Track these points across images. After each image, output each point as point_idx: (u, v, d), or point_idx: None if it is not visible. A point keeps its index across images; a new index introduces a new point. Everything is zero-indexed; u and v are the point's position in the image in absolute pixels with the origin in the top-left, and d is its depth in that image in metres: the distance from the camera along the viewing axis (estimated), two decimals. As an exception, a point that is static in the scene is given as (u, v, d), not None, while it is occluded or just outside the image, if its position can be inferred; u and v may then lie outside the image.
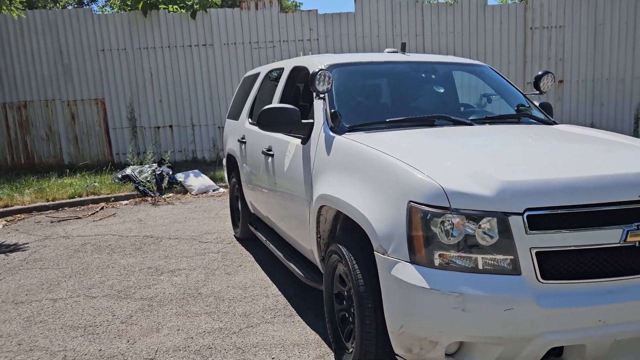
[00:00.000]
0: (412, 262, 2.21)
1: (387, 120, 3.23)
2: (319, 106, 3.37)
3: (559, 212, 2.11)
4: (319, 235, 3.17)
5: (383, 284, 2.35)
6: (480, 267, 2.14)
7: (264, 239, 4.42)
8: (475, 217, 2.13)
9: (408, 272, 2.20)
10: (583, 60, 11.41)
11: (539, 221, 2.10)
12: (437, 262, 2.17)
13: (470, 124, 3.25)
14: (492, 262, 2.14)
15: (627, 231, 2.15)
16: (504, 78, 4.15)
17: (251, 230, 4.97)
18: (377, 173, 2.54)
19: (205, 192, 8.52)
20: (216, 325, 3.44)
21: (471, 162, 2.37)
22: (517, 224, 2.09)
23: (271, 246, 4.18)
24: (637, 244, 2.18)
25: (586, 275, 2.15)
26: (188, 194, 8.51)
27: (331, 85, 3.26)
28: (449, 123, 3.26)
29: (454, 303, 2.09)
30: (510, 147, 2.73)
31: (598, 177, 2.20)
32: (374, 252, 2.40)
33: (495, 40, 11.27)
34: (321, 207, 3.02)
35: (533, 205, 2.10)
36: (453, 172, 2.26)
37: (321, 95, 3.30)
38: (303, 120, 3.36)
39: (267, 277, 4.34)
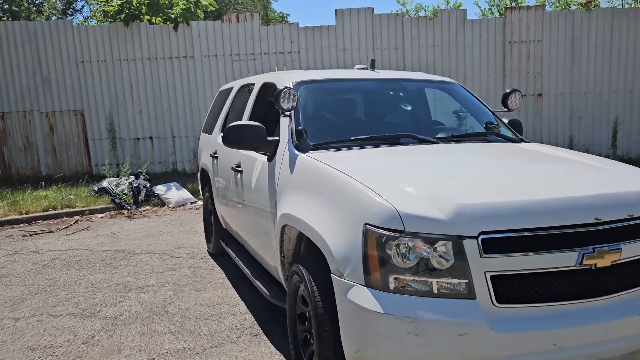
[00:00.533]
0: (367, 285, 2.18)
1: (353, 138, 3.21)
2: (284, 124, 3.34)
3: (514, 235, 2.10)
4: (282, 255, 3.13)
5: (339, 307, 2.31)
6: (435, 291, 2.11)
7: (234, 255, 4.37)
8: (430, 241, 2.10)
9: (363, 296, 2.17)
10: (561, 74, 11.56)
11: (493, 245, 2.08)
12: (392, 285, 2.14)
13: (436, 143, 3.25)
14: (447, 286, 2.11)
15: (583, 254, 2.15)
16: (474, 95, 4.17)
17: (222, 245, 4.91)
18: (336, 194, 2.52)
19: (183, 205, 8.44)
20: (180, 346, 3.37)
21: (429, 183, 2.35)
22: (471, 248, 2.07)
23: (240, 263, 4.13)
24: (593, 267, 2.17)
25: (542, 299, 2.14)
26: (166, 206, 8.42)
27: (297, 103, 3.24)
28: (414, 141, 3.25)
29: (407, 328, 2.06)
30: (471, 168, 2.72)
31: (553, 200, 2.20)
32: (331, 274, 2.37)
33: (475, 54, 11.38)
34: (284, 226, 2.99)
35: (488, 229, 2.08)
36: (409, 195, 2.24)
37: (287, 113, 3.28)
38: (269, 138, 3.33)
39: (237, 295, 4.28)
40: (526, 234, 2.10)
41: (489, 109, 4.03)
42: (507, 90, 3.90)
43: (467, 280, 2.09)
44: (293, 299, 2.93)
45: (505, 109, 3.95)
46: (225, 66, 11.18)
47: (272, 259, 3.36)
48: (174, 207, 8.35)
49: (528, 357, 2.09)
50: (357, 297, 2.19)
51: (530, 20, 11.38)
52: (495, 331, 2.04)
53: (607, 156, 11.55)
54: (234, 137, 3.30)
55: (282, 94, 3.11)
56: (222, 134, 3.47)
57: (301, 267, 2.70)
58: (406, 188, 2.30)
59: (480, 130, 3.80)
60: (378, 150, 3.05)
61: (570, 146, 11.47)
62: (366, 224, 2.21)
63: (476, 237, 2.07)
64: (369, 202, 2.26)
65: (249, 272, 3.86)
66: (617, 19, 11.45)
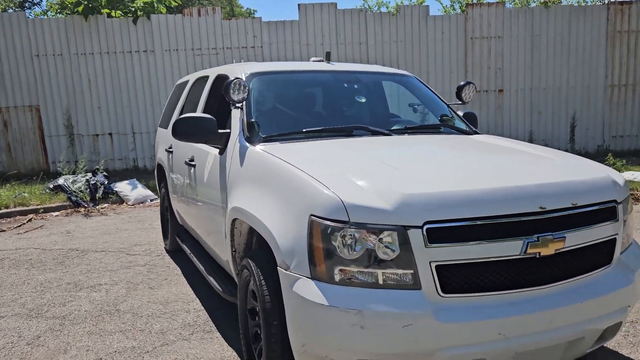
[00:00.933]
0: (313, 277, 2.14)
1: (305, 130, 3.16)
2: (236, 116, 3.27)
3: (459, 224, 2.08)
4: (234, 249, 3.06)
5: (286, 301, 2.26)
6: (380, 282, 2.09)
7: (189, 251, 4.27)
8: (375, 231, 2.07)
9: (308, 289, 2.13)
10: (521, 70, 11.78)
11: (438, 234, 2.07)
12: (337, 277, 2.10)
13: (389, 134, 3.23)
14: (393, 276, 2.09)
15: (528, 243, 2.15)
16: (429, 88, 4.17)
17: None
18: (283, 185, 2.47)
19: (142, 202, 8.24)
20: (129, 344, 3.26)
21: (376, 174, 2.32)
22: (416, 238, 2.05)
23: (194, 259, 4.04)
24: (537, 256, 2.18)
25: (487, 288, 2.13)
26: (124, 204, 8.21)
27: (248, 95, 3.18)
28: (367, 133, 3.22)
29: (353, 320, 2.02)
30: (420, 159, 2.71)
31: (498, 189, 2.19)
32: (278, 267, 2.32)
33: (437, 49, 11.48)
34: (234, 220, 2.92)
35: (432, 218, 2.06)
36: (355, 185, 2.20)
37: (238, 105, 3.21)
38: (220, 131, 3.25)
39: (192, 292, 4.19)
40: (471, 223, 2.09)
41: (444, 102, 4.04)
42: (461, 83, 3.91)
43: (412, 271, 2.07)
44: (244, 293, 2.87)
45: (460, 102, 3.97)
46: (187, 60, 10.98)
47: (224, 254, 3.28)
48: (133, 205, 8.14)
49: (474, 347, 2.09)
50: (302, 289, 2.15)
51: (491, 16, 11.55)
52: (440, 321, 2.02)
53: (566, 150, 11.85)
54: (184, 130, 3.20)
55: (232, 85, 3.04)
56: (171, 127, 3.37)
57: (250, 261, 2.64)
58: (352, 179, 2.26)
59: (435, 122, 3.81)
60: (329, 142, 3.00)
61: (530, 141, 11.69)
62: (311, 215, 2.16)
63: (421, 227, 2.05)
64: (314, 193, 2.22)
65: (202, 268, 3.77)
66: (575, 16, 11.72)
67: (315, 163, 2.52)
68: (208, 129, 3.19)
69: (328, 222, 2.10)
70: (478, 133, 3.75)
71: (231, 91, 3.04)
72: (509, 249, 2.13)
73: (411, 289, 2.08)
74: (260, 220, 2.49)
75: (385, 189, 2.14)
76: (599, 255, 2.42)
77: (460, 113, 4.10)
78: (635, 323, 3.49)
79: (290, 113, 3.49)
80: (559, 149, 10.62)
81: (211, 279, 3.52)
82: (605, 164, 8.61)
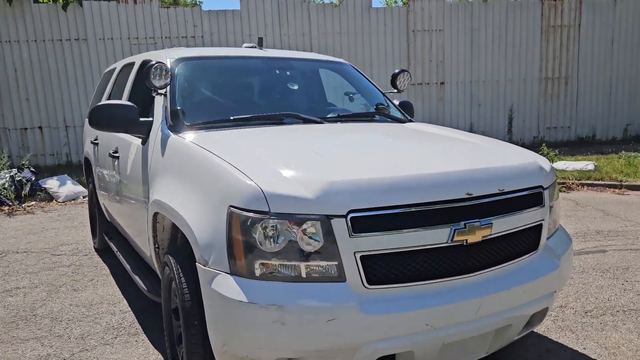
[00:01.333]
0: (232, 273, 2.01)
1: (232, 118, 3.01)
2: (159, 103, 3.07)
3: (384, 212, 2.00)
4: (156, 245, 2.88)
5: (205, 299, 2.12)
6: (304, 275, 1.98)
7: (115, 249, 4.03)
8: (297, 222, 1.96)
9: (227, 285, 1.99)
10: (462, 63, 12.00)
11: (363, 223, 1.98)
12: (258, 272, 1.98)
13: (321, 122, 3.13)
14: (317, 269, 1.98)
15: (454, 230, 2.10)
16: (364, 76, 4.10)
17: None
18: (204, 175, 2.32)
19: (74, 199, 7.81)
20: (44, 352, 3.02)
21: (300, 162, 2.21)
22: (340, 227, 1.95)
23: (121, 257, 3.81)
24: (464, 243, 2.13)
25: (414, 278, 2.07)
26: (54, 201, 7.76)
27: (172, 80, 2.99)
28: (298, 121, 3.11)
29: (273, 316, 1.91)
30: (349, 147, 2.62)
31: (424, 175, 2.13)
32: (196, 263, 2.17)
33: (380, 41, 11.52)
34: (156, 214, 2.74)
35: (356, 207, 1.97)
36: (277, 174, 2.08)
37: (161, 91, 3.01)
38: (142, 119, 3.05)
39: (120, 292, 3.95)
40: (397, 211, 2.02)
41: (379, 90, 3.99)
42: (396, 71, 3.86)
43: (336, 262, 1.97)
44: (167, 292, 2.69)
45: (395, 90, 3.92)
46: (123, 50, 10.51)
47: (148, 251, 3.09)
48: (63, 202, 7.70)
49: (401, 339, 2.02)
50: (221, 286, 2.01)
51: (432, 10, 11.69)
52: (365, 314, 1.94)
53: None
54: (101, 119, 2.97)
55: (153, 70, 2.85)
56: (87, 116, 3.14)
57: (170, 258, 2.47)
58: (275, 167, 2.14)
59: (370, 111, 3.74)
60: (257, 130, 2.87)
61: (471, 132, 11.95)
62: (230, 206, 2.02)
63: (345, 216, 1.95)
64: (233, 182, 2.08)
65: (128, 267, 3.55)
66: (512, 11, 12.04)
67: (238, 151, 2.38)
68: (127, 117, 2.99)
69: (247, 213, 1.97)
70: (412, 121, 3.72)
71: (152, 76, 2.85)
72: (436, 237, 2.08)
73: (336, 281, 1.98)
74: (179, 213, 2.33)
75: (309, 177, 2.04)
76: (526, 241, 2.41)
77: (397, 102, 4.06)
78: (564, 307, 3.56)
79: (218, 100, 3.33)
80: (496, 140, 10.69)
81: (137, 278, 3.32)
82: (540, 154, 8.91)
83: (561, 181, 8.18)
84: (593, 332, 3.18)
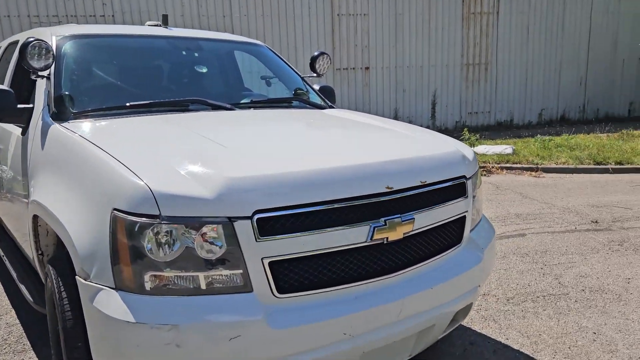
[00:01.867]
0: (118, 288, 1.71)
1: (129, 104, 2.65)
2: (40, 87, 2.66)
3: (295, 212, 1.77)
4: (39, 251, 2.50)
5: (87, 319, 1.80)
6: (203, 287, 1.71)
7: (2, 253, 3.55)
8: (194, 226, 1.69)
9: (111, 302, 1.69)
10: (386, 48, 11.99)
11: (272, 225, 1.74)
12: (149, 285, 1.69)
13: (231, 109, 2.84)
14: (219, 279, 1.73)
15: (374, 228, 1.91)
16: (283, 60, 3.84)
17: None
18: (86, 172, 1.98)
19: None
20: None
21: (200, 155, 1.92)
22: (244, 231, 1.70)
23: (7, 262, 3.34)
24: (385, 242, 1.95)
25: (331, 283, 1.86)
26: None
27: (55, 61, 2.60)
28: (206, 108, 2.80)
29: (166, 338, 1.63)
30: (259, 136, 2.36)
31: (340, 168, 1.92)
32: (76, 276, 1.84)
33: (305, 25, 11.25)
34: (35, 216, 2.36)
35: (264, 207, 1.73)
36: (171, 170, 1.79)
37: (42, 74, 2.60)
38: (20, 106, 2.63)
39: (8, 302, 3.49)
40: (309, 209, 1.79)
41: (298, 74, 3.74)
42: (315, 53, 3.63)
43: (241, 271, 1.73)
44: (51, 306, 2.33)
45: (315, 74, 3.70)
46: (22, 29, 9.55)
47: (33, 257, 2.69)
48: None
49: (316, 352, 1.81)
50: (104, 304, 1.70)
51: (356, -7, 11.57)
52: (275, 328, 1.71)
53: (427, 127, 12.37)
54: (-32, 105, 2.53)
55: (30, 49, 2.45)
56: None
57: (51, 268, 2.12)
58: (169, 162, 1.85)
59: (288, 96, 3.49)
60: (156, 118, 2.54)
61: (396, 118, 12.01)
62: (114, 209, 1.72)
63: (250, 218, 1.70)
64: (117, 181, 1.77)
65: (15, 274, 3.11)
66: (434, -3, 12.16)
67: (128, 144, 2.07)
68: (1, 104, 2.56)
69: (134, 218, 1.67)
70: (333, 107, 3.52)
71: (28, 56, 2.45)
72: (354, 236, 1.88)
73: (241, 292, 1.74)
74: (56, 217, 1.98)
75: (208, 173, 1.76)
76: (449, 235, 2.27)
77: (317, 87, 3.84)
78: (487, 295, 3.52)
79: (112, 84, 2.94)
80: (421, 126, 10.93)
81: (22, 287, 2.89)
82: (462, 139, 9.07)
83: (482, 165, 8.35)
84: (515, 321, 3.15)
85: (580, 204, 6.04)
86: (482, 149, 9.25)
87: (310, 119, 2.85)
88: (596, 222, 5.24)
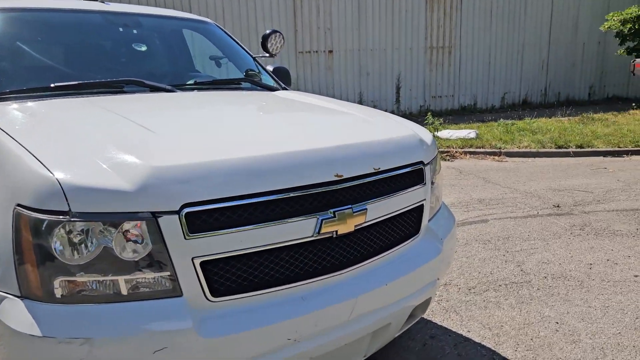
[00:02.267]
0: (23, 296, 1.47)
1: (54, 86, 2.38)
2: (-50, 66, 2.36)
3: (230, 205, 1.57)
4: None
5: (-11, 332, 1.57)
6: (124, 292, 1.50)
7: None
8: (112, 223, 1.47)
9: (15, 313, 1.46)
10: (349, 31, 11.78)
11: (202, 220, 1.53)
12: (59, 292, 1.46)
13: (172, 91, 2.59)
14: (142, 282, 1.51)
15: (321, 220, 1.73)
16: (233, 38, 3.59)
17: None
18: (-9, 163, 1.72)
19: None
20: None
21: (125, 142, 1.68)
22: (171, 227, 1.49)
23: None
24: (334, 235, 1.77)
25: (273, 283, 1.67)
26: None
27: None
28: (143, 89, 2.55)
29: (78, 354, 1.41)
30: (197, 120, 2.13)
31: (282, 155, 1.72)
32: (-24, 283, 1.60)
33: (265, 6, 10.92)
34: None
35: (194, 199, 1.51)
36: (86, 159, 1.56)
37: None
38: None
39: None
40: (247, 201, 1.59)
41: (250, 55, 3.51)
42: (266, 32, 3.40)
43: (168, 273, 1.52)
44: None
45: (267, 54, 3.47)
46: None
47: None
48: None
49: (258, 361, 1.63)
50: (7, 314, 1.47)
51: (319, -26, 11.28)
52: (207, 337, 1.51)
53: (392, 112, 12.27)
54: None
55: None
56: None
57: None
58: (86, 151, 1.61)
59: (238, 77, 3.26)
60: (82, 100, 2.27)
61: (360, 102, 11.85)
62: (17, 205, 1.48)
63: (177, 212, 1.49)
64: (22, 173, 1.52)
65: None
66: (397, -21, 11.97)
67: (43, 130, 1.82)
68: None
69: (40, 215, 1.44)
70: (286, 89, 3.31)
71: None
72: (299, 230, 1.69)
73: (169, 296, 1.53)
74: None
75: (129, 162, 1.54)
76: (405, 225, 2.11)
77: (270, 68, 3.62)
78: (449, 285, 3.41)
79: (39, 63, 2.65)
80: (386, 110, 10.85)
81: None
82: (425, 124, 8.98)
83: (446, 150, 8.29)
84: (477, 312, 3.04)
85: (542, 188, 6.02)
86: (445, 133, 9.19)
87: (258, 101, 2.63)
88: (558, 206, 5.21)
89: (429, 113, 9.52)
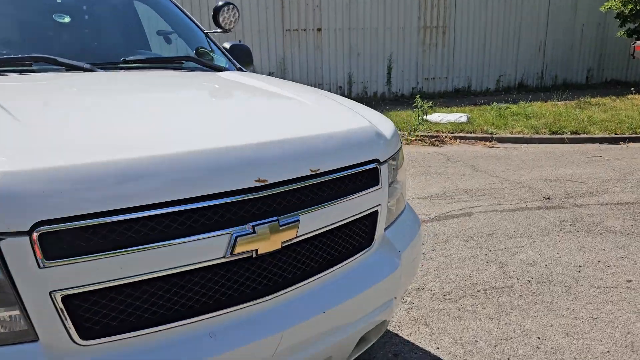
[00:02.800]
0: None
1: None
2: None
3: (107, 221, 1.20)
4: None
5: None
6: (-43, 338, 1.14)
7: None
8: (-63, 247, 1.10)
9: None
10: (339, 9, 11.29)
11: (67, 242, 1.17)
12: None
13: (92, 70, 2.20)
14: (-18, 324, 1.16)
15: (236, 238, 1.37)
16: (184, 12, 3.18)
17: None
18: None
19: None
20: None
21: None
22: (18, 252, 1.12)
23: None
24: (253, 255, 1.41)
25: (169, 318, 1.32)
26: None
27: None
28: (58, 68, 2.16)
29: None
30: (93, 108, 1.74)
31: (184, 156, 1.34)
32: None
33: (251, -19, 10.42)
34: None
35: (52, 216, 1.15)
36: None
37: None
38: None
39: None
40: (130, 216, 1.22)
41: (202, 30, 3.10)
42: (219, 3, 2.99)
43: (16, 311, 1.16)
44: None
45: (220, 29, 3.07)
46: None
47: None
48: None
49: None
50: None
51: (307, -52, 10.74)
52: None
53: (383, 93, 11.84)
54: None
55: None
56: None
57: None
58: None
59: (189, 55, 2.87)
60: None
61: (349, 84, 11.42)
62: None
63: (28, 233, 1.12)
64: None
65: None
66: (390, -46, 11.44)
67: None
68: None
69: None
70: (243, 70, 2.92)
71: None
72: (204, 251, 1.33)
73: (18, 342, 1.17)
74: None
75: (-31, 165, 1.16)
76: (354, 237, 1.75)
77: (227, 45, 3.22)
78: (422, 290, 3.07)
79: None
80: (376, 92, 10.39)
81: None
82: (414, 106, 8.57)
83: (435, 135, 7.92)
84: (450, 323, 2.70)
85: (533, 177, 5.67)
86: (435, 117, 8.80)
87: (190, 85, 2.25)
88: (548, 198, 4.86)
89: (417, 96, 9.08)
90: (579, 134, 7.89)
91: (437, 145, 7.62)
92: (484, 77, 12.95)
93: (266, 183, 1.43)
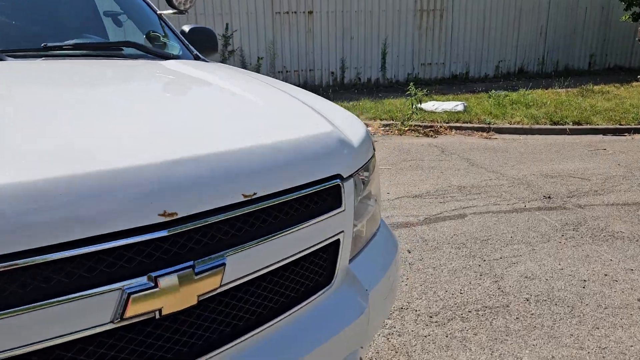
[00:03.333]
0: None
1: None
2: None
3: None
4: None
5: None
6: None
7: None
8: None
9: None
10: (332, -9, 10.80)
11: None
12: None
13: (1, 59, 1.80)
14: None
15: (128, 294, 0.99)
16: (136, -11, 2.77)
17: None
18: None
19: None
20: None
21: None
22: None
23: None
24: (157, 316, 1.04)
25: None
26: None
27: None
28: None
29: None
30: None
31: (59, 182, 0.95)
32: None
33: (239, -40, 9.92)
34: None
35: None
36: None
37: None
38: None
39: None
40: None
41: (155, 12, 2.70)
42: (172, -20, 2.58)
43: None
44: None
45: (175, 10, 2.66)
46: None
47: None
48: None
49: None
50: None
51: None
52: None
53: (377, 80, 11.40)
54: None
55: None
56: None
57: None
58: None
59: (137, 39, 2.47)
60: None
61: (342, 69, 10.98)
62: None
63: None
64: None
65: None
66: None
67: None
68: None
69: None
70: (200, 58, 2.53)
71: None
72: (82, 316, 0.96)
73: None
74: None
75: None
76: (307, 275, 1.38)
77: (186, 28, 2.82)
78: (405, 311, 2.70)
79: None
80: (370, 78, 9.89)
81: None
82: (407, 94, 8.16)
83: (429, 125, 7.53)
84: (435, 354, 2.34)
85: (532, 173, 5.29)
86: (431, 105, 8.39)
87: (116, 79, 1.84)
88: (549, 197, 4.49)
89: (411, 83, 8.65)
90: (581, 125, 7.50)
91: (432, 136, 7.23)
92: (483, 62, 12.50)
93: (175, 217, 1.05)
